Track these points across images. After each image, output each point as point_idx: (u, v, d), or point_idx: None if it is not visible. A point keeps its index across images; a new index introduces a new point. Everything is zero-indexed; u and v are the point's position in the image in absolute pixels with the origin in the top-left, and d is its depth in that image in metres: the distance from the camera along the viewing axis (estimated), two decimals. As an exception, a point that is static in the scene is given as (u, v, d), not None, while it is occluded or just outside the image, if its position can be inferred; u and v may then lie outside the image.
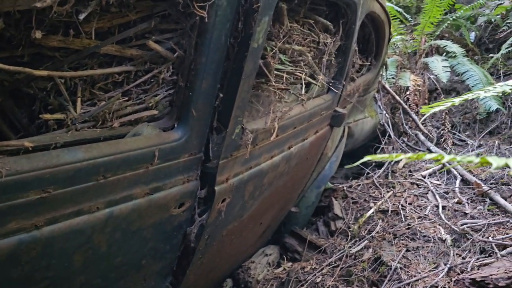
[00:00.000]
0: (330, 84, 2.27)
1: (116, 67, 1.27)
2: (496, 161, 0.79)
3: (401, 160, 3.59)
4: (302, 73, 1.69)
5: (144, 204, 1.36)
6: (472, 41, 5.34)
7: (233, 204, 1.71)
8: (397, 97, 3.94)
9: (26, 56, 1.10)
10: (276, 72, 1.56)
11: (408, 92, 3.98)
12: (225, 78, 1.41)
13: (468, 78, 3.81)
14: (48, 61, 1.14)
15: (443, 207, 2.53)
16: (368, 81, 3.15)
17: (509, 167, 0.74)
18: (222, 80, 1.41)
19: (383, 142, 3.90)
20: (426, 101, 4.46)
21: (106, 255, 1.35)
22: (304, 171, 2.45)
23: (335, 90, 2.31)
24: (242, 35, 1.35)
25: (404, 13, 5.90)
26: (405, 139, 3.96)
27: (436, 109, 1.29)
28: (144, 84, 1.36)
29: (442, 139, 3.92)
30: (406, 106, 3.91)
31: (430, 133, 4.05)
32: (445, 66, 3.99)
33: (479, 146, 3.56)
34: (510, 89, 1.37)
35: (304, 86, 1.73)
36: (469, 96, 1.37)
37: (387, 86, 3.96)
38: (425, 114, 4.18)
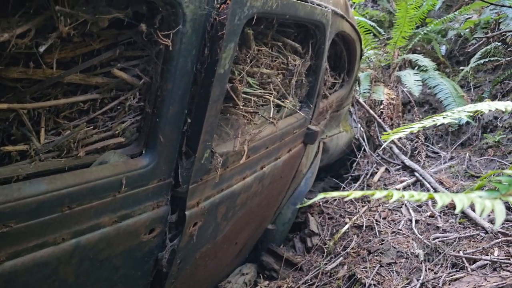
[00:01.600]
0: (302, 103, 2.30)
1: (81, 96, 1.27)
2: (441, 199, 0.81)
3: (376, 173, 3.64)
4: (271, 96, 1.71)
5: (113, 232, 1.34)
6: (443, 54, 5.50)
7: (205, 227, 1.71)
8: (371, 111, 4.01)
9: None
10: (244, 95, 1.58)
11: (382, 106, 4.05)
12: (192, 103, 1.42)
13: (439, 92, 3.91)
14: (10, 92, 1.13)
15: (416, 221, 2.57)
16: (341, 97, 3.20)
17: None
18: (190, 105, 1.42)
19: (359, 156, 3.95)
20: (400, 113, 4.55)
21: (74, 286, 1.32)
22: (278, 189, 2.46)
23: (307, 109, 2.35)
24: (208, 61, 1.36)
25: (378, 28, 6.03)
26: (380, 152, 4.02)
27: (396, 136, 1.32)
28: (110, 111, 1.36)
29: (416, 152, 4.00)
30: (380, 120, 3.99)
31: (405, 146, 4.13)
32: (417, 80, 4.09)
33: (451, 158, 3.64)
34: (473, 112, 1.41)
35: (273, 108, 1.75)
36: (436, 120, 1.39)
37: (361, 100, 4.03)
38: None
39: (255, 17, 1.44)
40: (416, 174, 3.31)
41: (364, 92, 4.20)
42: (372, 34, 6.38)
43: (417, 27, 5.68)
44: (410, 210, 2.74)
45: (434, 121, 1.32)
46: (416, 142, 4.13)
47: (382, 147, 3.72)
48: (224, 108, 1.52)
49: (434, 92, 3.97)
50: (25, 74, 1.11)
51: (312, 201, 1.05)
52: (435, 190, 3.00)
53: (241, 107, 1.52)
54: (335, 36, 2.45)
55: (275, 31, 1.77)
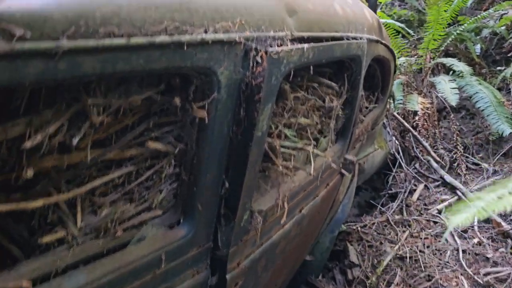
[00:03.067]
0: (338, 135, 2.21)
1: (116, 171, 1.22)
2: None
3: (415, 190, 3.50)
4: (309, 146, 1.62)
5: (152, 307, 1.29)
6: (477, 54, 5.25)
7: (246, 284, 1.65)
8: (407, 125, 3.85)
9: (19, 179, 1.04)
10: (282, 149, 1.50)
11: (417, 117, 3.88)
12: (229, 166, 1.35)
13: (478, 101, 3.72)
14: (44, 179, 1.09)
15: (463, 251, 2.43)
16: (376, 116, 3.08)
17: None
18: (227, 169, 1.35)
19: (394, 170, 3.81)
20: (436, 121, 4.36)
21: None
22: (316, 225, 2.38)
23: (343, 141, 2.25)
24: (245, 124, 1.29)
25: (406, 28, 5.82)
26: (417, 165, 3.86)
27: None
28: (146, 181, 1.31)
29: (456, 164, 3.82)
30: (416, 133, 3.83)
31: (442, 157, 3.96)
32: (453, 88, 3.90)
33: (494, 172, 3.45)
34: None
35: (313, 162, 1.66)
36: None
37: (396, 114, 3.88)
38: (436, 139, 4.09)
39: (292, 71, 1.36)
40: (458, 192, 3.15)
41: (398, 103, 4.04)
42: (401, 35, 6.19)
43: (449, 25, 5.45)
44: (456, 237, 2.60)
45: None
46: (455, 153, 3.95)
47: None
48: (262, 166, 1.45)
49: (473, 100, 3.78)
50: (59, 162, 1.06)
51: None
52: (481, 212, 2.83)
53: (280, 165, 1.44)
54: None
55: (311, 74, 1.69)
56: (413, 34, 5.95)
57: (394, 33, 5.43)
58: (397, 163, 3.79)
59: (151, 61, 0.95)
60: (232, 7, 1.19)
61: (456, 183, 3.27)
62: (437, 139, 4.19)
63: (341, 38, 1.72)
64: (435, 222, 2.86)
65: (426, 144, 3.78)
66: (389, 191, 3.63)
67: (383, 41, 2.49)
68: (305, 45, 1.37)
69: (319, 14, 1.62)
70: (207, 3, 1.11)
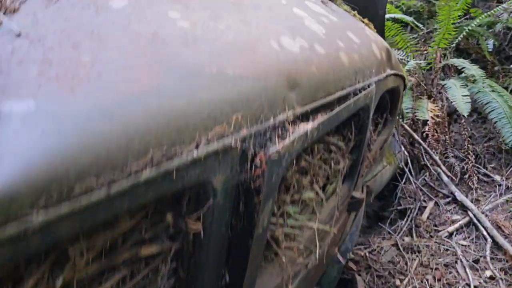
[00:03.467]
0: (345, 176, 2.11)
1: (109, 280, 1.14)
2: None
3: (425, 208, 3.41)
4: (314, 222, 1.53)
5: None
6: (490, 51, 5.04)
7: None
8: (417, 137, 3.73)
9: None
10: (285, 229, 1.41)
11: (427, 128, 3.75)
12: (229, 261, 1.27)
13: (491, 111, 3.58)
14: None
15: (475, 287, 2.36)
16: (385, 138, 2.97)
17: None
18: (227, 264, 1.27)
19: (403, 182, 3.71)
20: (446, 128, 4.22)
21: None
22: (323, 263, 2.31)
23: (350, 181, 2.16)
24: (244, 223, 1.20)
25: (416, 22, 5.60)
26: (426, 177, 3.76)
27: None
28: (142, 280, 1.23)
29: (467, 176, 3.71)
30: (426, 146, 3.70)
31: (453, 168, 3.84)
32: (464, 95, 3.74)
33: (508, 188, 3.34)
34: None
35: (318, 246, 1.57)
36: None
37: (404, 124, 3.75)
38: (447, 146, 3.97)
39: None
40: (469, 213, 3.06)
41: (407, 112, 3.91)
42: (409, 28, 5.97)
43: (459, 17, 5.23)
44: (467, 269, 2.52)
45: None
46: (466, 163, 3.83)
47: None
48: (264, 256, 1.37)
49: (486, 110, 3.64)
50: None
51: None
52: (493, 239, 2.75)
53: (284, 255, 1.36)
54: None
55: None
56: (422, 27, 5.72)
57: (400, 28, 5.20)
58: (405, 175, 3.69)
59: (136, 200, 0.86)
60: (228, 104, 1.07)
61: (467, 202, 3.17)
62: (447, 146, 4.07)
63: (348, 95, 1.60)
64: (446, 249, 2.79)
65: (436, 158, 3.67)
66: (398, 207, 3.54)
67: (393, 72, 2.35)
68: (309, 127, 1.26)
69: (324, 75, 1.50)
70: (199, 110, 0.99)
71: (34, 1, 0.96)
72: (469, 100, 3.71)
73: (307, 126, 1.27)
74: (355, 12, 2.68)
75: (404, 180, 3.72)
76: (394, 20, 5.53)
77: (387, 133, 2.94)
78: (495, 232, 2.75)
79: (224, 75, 1.07)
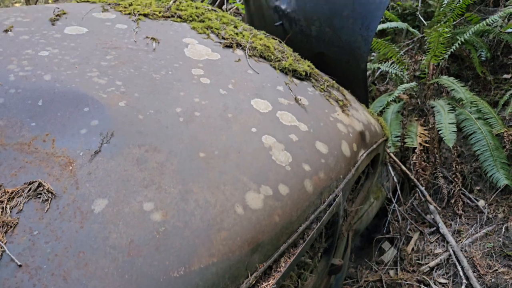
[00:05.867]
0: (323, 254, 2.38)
1: None
2: None
3: (411, 237, 3.68)
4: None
5: None
6: (483, 60, 5.10)
7: None
8: (404, 167, 3.94)
9: None
10: None
11: (414, 157, 3.96)
12: None
13: (475, 143, 3.75)
14: None
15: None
16: (369, 186, 3.19)
17: None
18: None
19: (390, 211, 3.97)
20: (436, 148, 4.40)
21: None
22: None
23: (327, 256, 2.42)
24: None
25: (410, 28, 5.62)
26: (414, 203, 4.01)
27: None
28: None
29: (453, 200, 3.94)
30: (413, 178, 3.92)
31: (441, 189, 4.07)
32: (451, 123, 3.91)
33: (488, 219, 3.57)
34: None
35: None
36: None
37: (393, 157, 3.96)
38: (437, 165, 4.16)
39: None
40: (450, 248, 3.32)
41: (395, 140, 4.11)
42: (405, 32, 6.01)
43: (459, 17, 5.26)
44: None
45: None
46: (453, 186, 4.06)
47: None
48: None
49: (470, 141, 3.81)
50: None
51: None
52: (467, 280, 3.03)
53: None
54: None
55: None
56: (417, 32, 5.75)
57: (388, 42, 5.24)
58: (392, 205, 3.94)
59: None
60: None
61: (449, 237, 3.42)
62: (437, 165, 4.28)
63: (312, 223, 1.82)
64: (425, 285, 3.09)
65: (423, 189, 3.89)
66: (387, 236, 3.83)
67: (368, 151, 2.54)
68: (270, 283, 1.53)
69: (287, 218, 1.57)
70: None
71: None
72: (455, 129, 3.87)
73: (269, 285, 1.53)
74: (334, 82, 2.83)
75: (390, 212, 3.98)
76: (387, 28, 5.60)
77: (369, 184, 3.16)
78: (470, 273, 3.03)
79: (190, 273, 1.32)
